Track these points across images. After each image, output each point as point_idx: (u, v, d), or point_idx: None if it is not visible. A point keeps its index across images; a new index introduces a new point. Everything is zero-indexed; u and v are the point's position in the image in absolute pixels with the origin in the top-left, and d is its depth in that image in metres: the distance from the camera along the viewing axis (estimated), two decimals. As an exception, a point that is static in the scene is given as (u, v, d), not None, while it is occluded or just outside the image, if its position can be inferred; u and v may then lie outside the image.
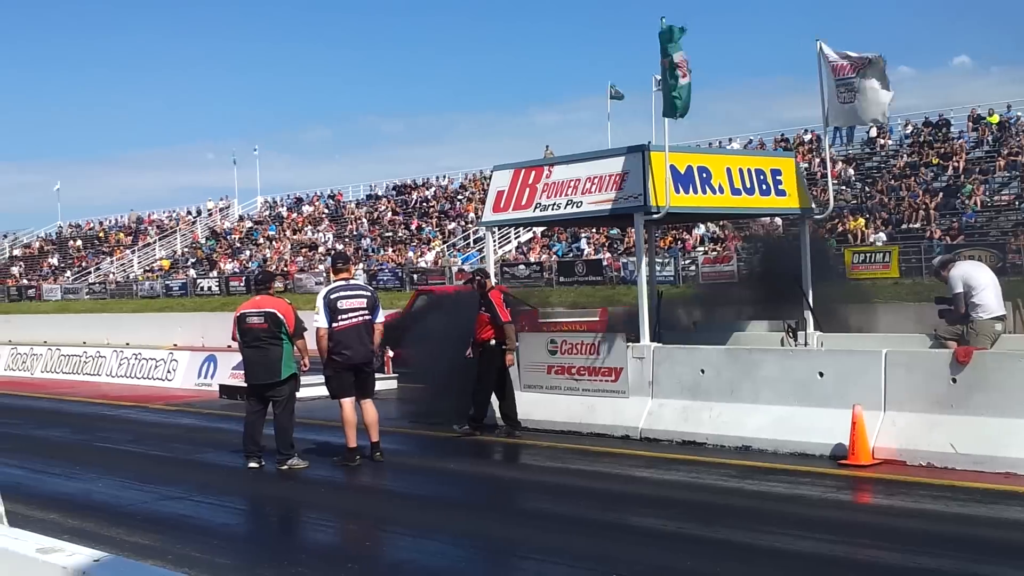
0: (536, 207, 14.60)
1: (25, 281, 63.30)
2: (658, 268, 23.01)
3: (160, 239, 63.15)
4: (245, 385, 12.94)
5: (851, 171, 39.83)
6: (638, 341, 13.40)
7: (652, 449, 12.34)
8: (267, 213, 62.57)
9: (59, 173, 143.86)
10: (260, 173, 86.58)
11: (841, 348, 13.42)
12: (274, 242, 55.68)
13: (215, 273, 52.79)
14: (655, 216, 13.43)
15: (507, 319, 13.65)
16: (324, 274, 41.40)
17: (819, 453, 11.23)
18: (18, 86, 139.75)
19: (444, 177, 56.01)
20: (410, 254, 46.00)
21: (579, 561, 7.91)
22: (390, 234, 50.32)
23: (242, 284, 46.75)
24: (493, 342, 13.64)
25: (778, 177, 14.59)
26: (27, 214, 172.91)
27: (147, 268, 59.75)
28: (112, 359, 25.85)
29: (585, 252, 40.12)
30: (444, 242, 46.52)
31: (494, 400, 14.03)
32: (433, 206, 52.08)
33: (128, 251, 62.88)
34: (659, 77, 13.26)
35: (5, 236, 74.29)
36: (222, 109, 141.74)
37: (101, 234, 68.55)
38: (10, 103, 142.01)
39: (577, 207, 14.07)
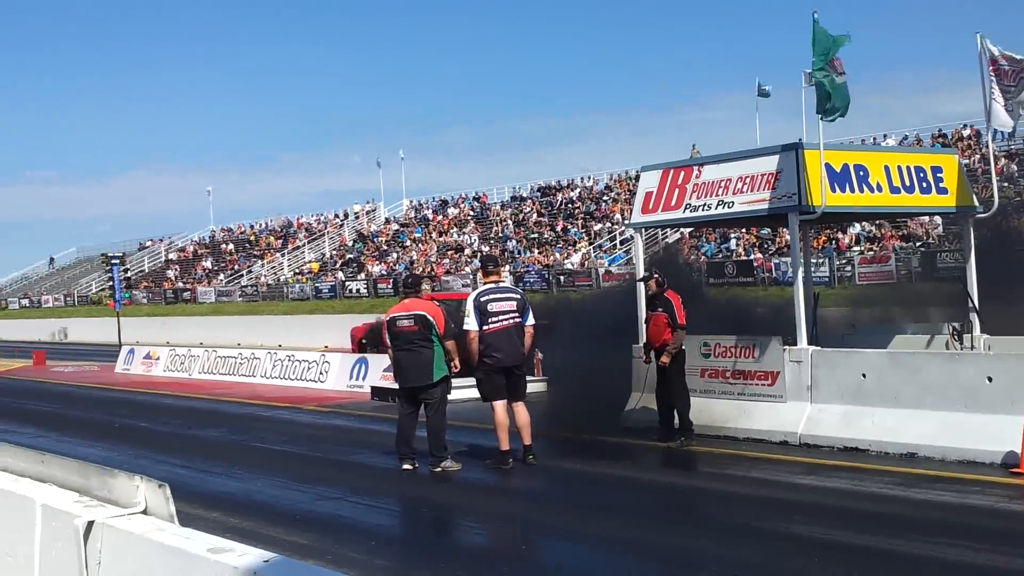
0: (686, 208, 14.36)
1: (180, 284, 65.36)
2: (813, 269, 22.42)
3: (309, 242, 64.46)
4: (396, 387, 13.02)
5: (1014, 167, 38.37)
6: (795, 344, 13.08)
7: (812, 455, 12.03)
8: (413, 215, 63.31)
9: (211, 177, 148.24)
10: (405, 176, 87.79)
11: (1010, 352, 12.86)
12: (420, 244, 56.31)
13: (363, 275, 53.61)
14: (811, 216, 13.10)
15: (683, 323, 13.17)
16: (471, 276, 41.67)
17: (989, 461, 10.79)
18: (176, 91, 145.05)
19: (589, 178, 55.80)
20: (556, 256, 45.99)
21: (740, 569, 7.72)
22: (535, 236, 50.37)
23: (390, 286, 47.38)
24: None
25: (939, 175, 14.12)
26: (182, 217, 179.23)
27: (297, 271, 61.03)
28: (266, 360, 26.43)
29: (735, 252, 39.52)
30: (590, 243, 46.38)
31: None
32: (578, 207, 51.96)
33: (278, 254, 64.34)
34: (809, 72, 12.90)
35: (161, 240, 76.83)
36: (367, 113, 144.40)
37: (252, 237, 70.31)
38: (169, 108, 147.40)
39: (729, 207, 13.79)
